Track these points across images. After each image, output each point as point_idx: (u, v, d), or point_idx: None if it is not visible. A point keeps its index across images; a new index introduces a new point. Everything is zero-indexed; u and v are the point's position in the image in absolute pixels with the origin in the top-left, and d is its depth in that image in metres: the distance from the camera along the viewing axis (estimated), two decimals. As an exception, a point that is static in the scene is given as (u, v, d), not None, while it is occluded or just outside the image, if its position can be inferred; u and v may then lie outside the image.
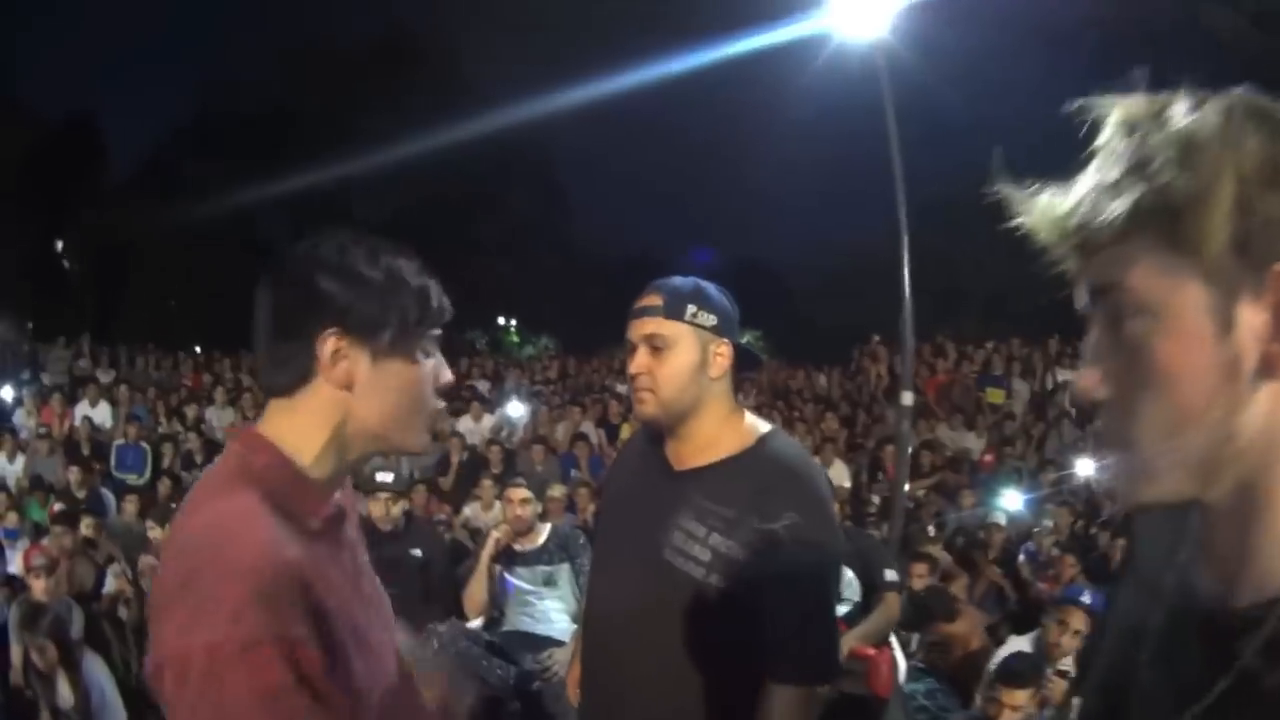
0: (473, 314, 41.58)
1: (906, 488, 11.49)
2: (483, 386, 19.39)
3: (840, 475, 13.26)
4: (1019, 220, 1.20)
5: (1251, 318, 1.00)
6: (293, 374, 1.75)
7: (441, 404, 1.93)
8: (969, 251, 31.93)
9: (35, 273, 36.28)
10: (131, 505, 11.30)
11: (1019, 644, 6.22)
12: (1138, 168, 1.06)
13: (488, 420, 15.87)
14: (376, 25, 42.39)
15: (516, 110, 33.15)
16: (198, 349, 25.32)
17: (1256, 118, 1.05)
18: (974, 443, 15.13)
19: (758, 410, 16.04)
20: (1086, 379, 1.11)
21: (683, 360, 2.67)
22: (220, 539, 1.56)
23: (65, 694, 6.41)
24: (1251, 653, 1.00)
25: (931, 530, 11.11)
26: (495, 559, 6.74)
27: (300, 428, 1.76)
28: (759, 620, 2.50)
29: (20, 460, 13.82)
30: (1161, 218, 1.03)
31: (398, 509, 6.99)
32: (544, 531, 6.87)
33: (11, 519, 10.87)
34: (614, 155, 54.26)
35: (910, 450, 12.37)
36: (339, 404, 1.75)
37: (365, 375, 1.75)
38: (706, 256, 52.51)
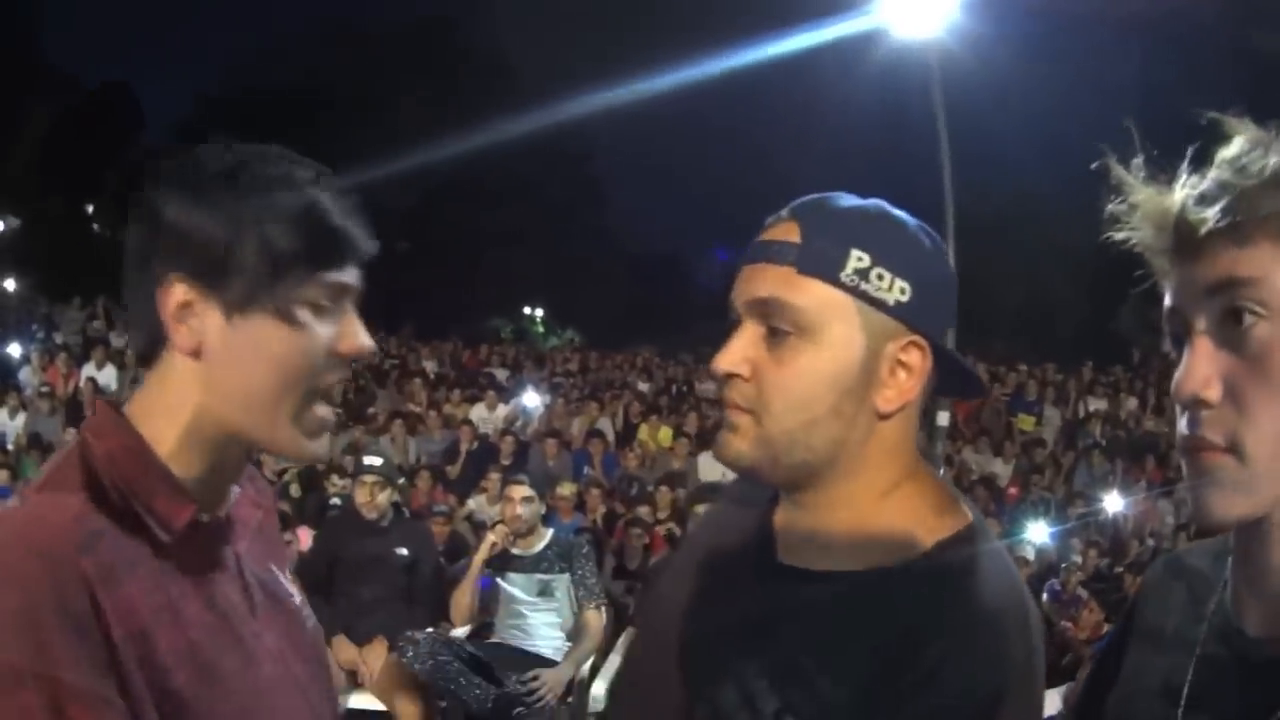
0: (499, 302, 41.45)
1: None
2: (501, 375, 19.15)
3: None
4: (1125, 204, 1.16)
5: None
6: (145, 336, 1.28)
7: (342, 374, 1.31)
8: (1004, 268, 31.46)
9: (63, 233, 36.66)
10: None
11: (1053, 699, 5.73)
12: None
13: (502, 410, 15.62)
14: (416, 8, 42.31)
15: (559, 100, 32.83)
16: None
17: None
18: (1001, 468, 14.69)
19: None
20: (1196, 378, 1.05)
21: (826, 363, 1.31)
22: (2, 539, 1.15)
23: None
24: None
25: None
26: (489, 563, 6.24)
27: (155, 409, 1.27)
28: None
29: (21, 417, 13.91)
30: None
31: (384, 497, 6.38)
32: (545, 536, 6.33)
33: (3, 476, 10.89)
34: (655, 151, 53.89)
35: (940, 472, 12.01)
36: (192, 377, 1.25)
37: (217, 338, 1.24)
38: (726, 256, 52.09)
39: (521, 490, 6.27)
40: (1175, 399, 1.06)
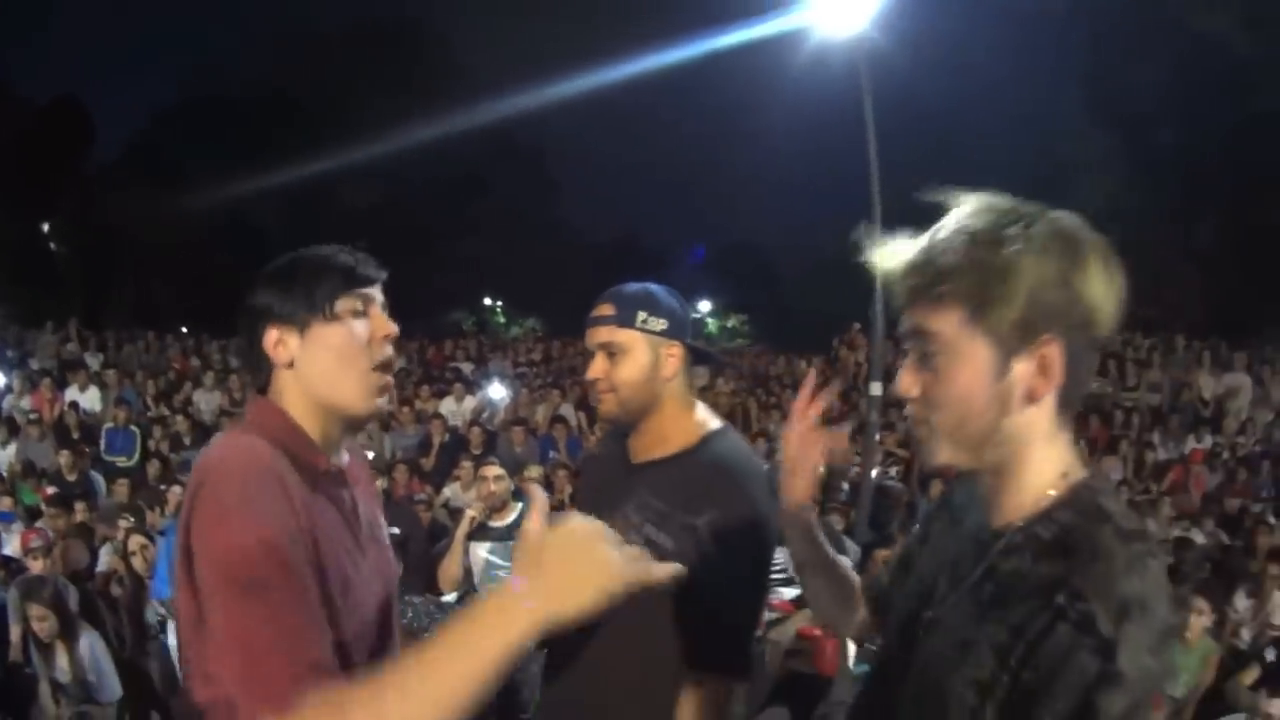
0: (460, 295, 41.76)
1: (874, 473, 11.83)
2: (466, 368, 19.59)
3: (813, 461, 13.48)
4: (869, 261, 1.78)
5: (1022, 368, 1.61)
6: (262, 372, 2.15)
7: (388, 352, 2.18)
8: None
9: (21, 256, 36.02)
10: (122, 487, 11.57)
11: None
12: (966, 267, 1.60)
13: (469, 401, 16.09)
14: (369, 9, 42.38)
15: (508, 96, 33.33)
16: (184, 330, 25.40)
17: (1060, 239, 1.60)
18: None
19: (734, 395, 16.50)
20: (905, 383, 1.71)
21: (636, 364, 2.85)
22: (225, 456, 1.93)
23: (63, 666, 6.61)
24: (996, 552, 1.65)
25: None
26: (470, 535, 7.02)
27: (282, 402, 2.13)
28: (680, 609, 2.66)
29: (12, 446, 13.90)
30: (973, 302, 1.59)
31: (377, 485, 7.26)
32: (516, 509, 7.12)
33: (6, 503, 10.96)
34: (604, 141, 54.25)
35: (878, 438, 12.76)
36: (292, 380, 2.12)
37: (299, 349, 2.11)
38: (700, 255, 52.95)
39: (494, 470, 7.15)
40: (897, 391, 1.72)
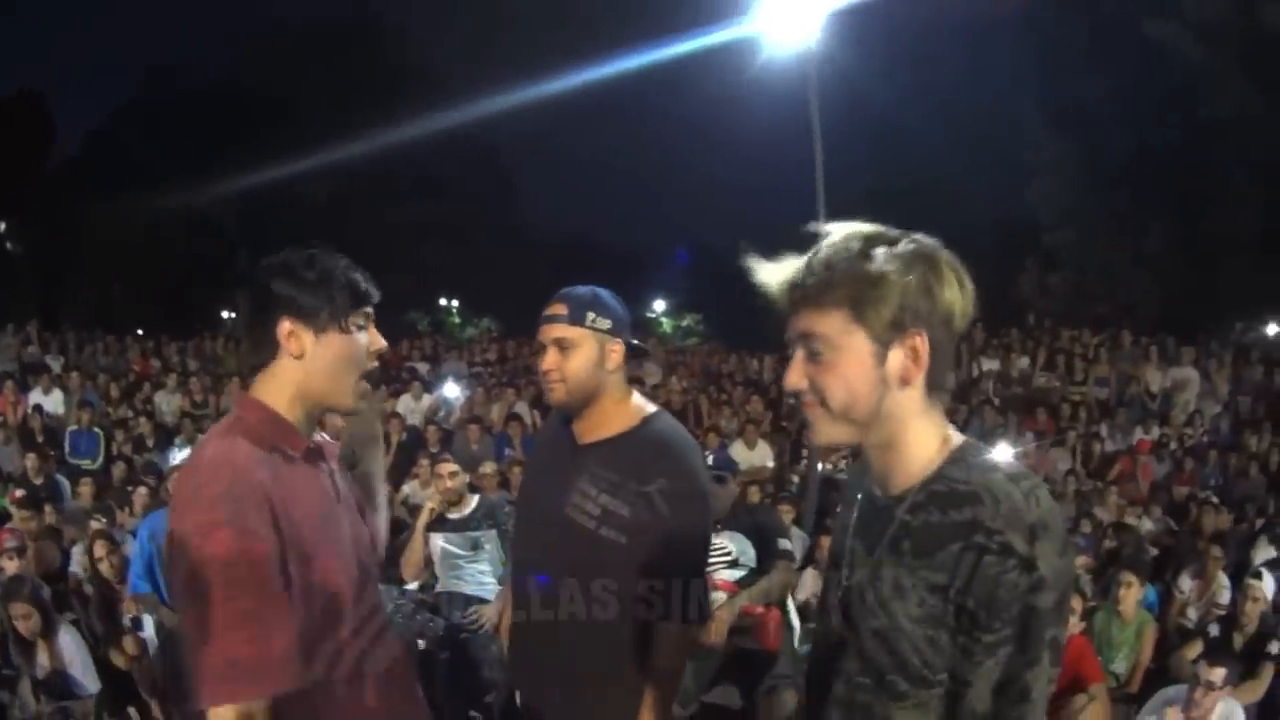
0: (415, 295, 41.63)
1: (821, 467, 12.19)
2: (422, 368, 19.68)
3: (764, 455, 13.93)
4: (755, 279, 2.08)
5: (896, 355, 1.94)
6: (264, 352, 2.48)
7: (375, 364, 2.59)
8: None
9: None
10: (86, 489, 11.68)
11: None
12: (847, 278, 1.93)
13: (426, 400, 16.24)
14: (325, 8, 42.27)
15: (463, 97, 33.38)
16: (140, 331, 25.28)
17: (921, 255, 1.94)
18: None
19: (686, 392, 16.82)
20: (795, 377, 2.01)
21: (584, 358, 3.27)
22: (214, 463, 2.31)
23: (44, 663, 6.75)
24: (902, 513, 1.98)
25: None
26: (428, 527, 7.42)
27: (274, 389, 2.49)
28: (640, 566, 3.15)
29: None
30: (854, 306, 1.92)
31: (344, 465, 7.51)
32: (473, 501, 7.52)
33: None
34: (559, 141, 54.69)
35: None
36: (296, 369, 2.47)
37: (311, 347, 2.46)
38: (684, 258, 53.23)
39: (449, 466, 7.59)
40: (787, 384, 2.03)
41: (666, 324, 52.35)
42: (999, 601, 1.81)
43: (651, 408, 3.42)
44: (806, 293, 1.97)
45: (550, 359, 3.30)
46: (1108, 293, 29.43)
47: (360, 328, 2.54)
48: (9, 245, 39.68)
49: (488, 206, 44.70)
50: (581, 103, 39.23)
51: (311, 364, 2.47)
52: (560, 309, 3.32)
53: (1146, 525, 11.50)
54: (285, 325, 2.45)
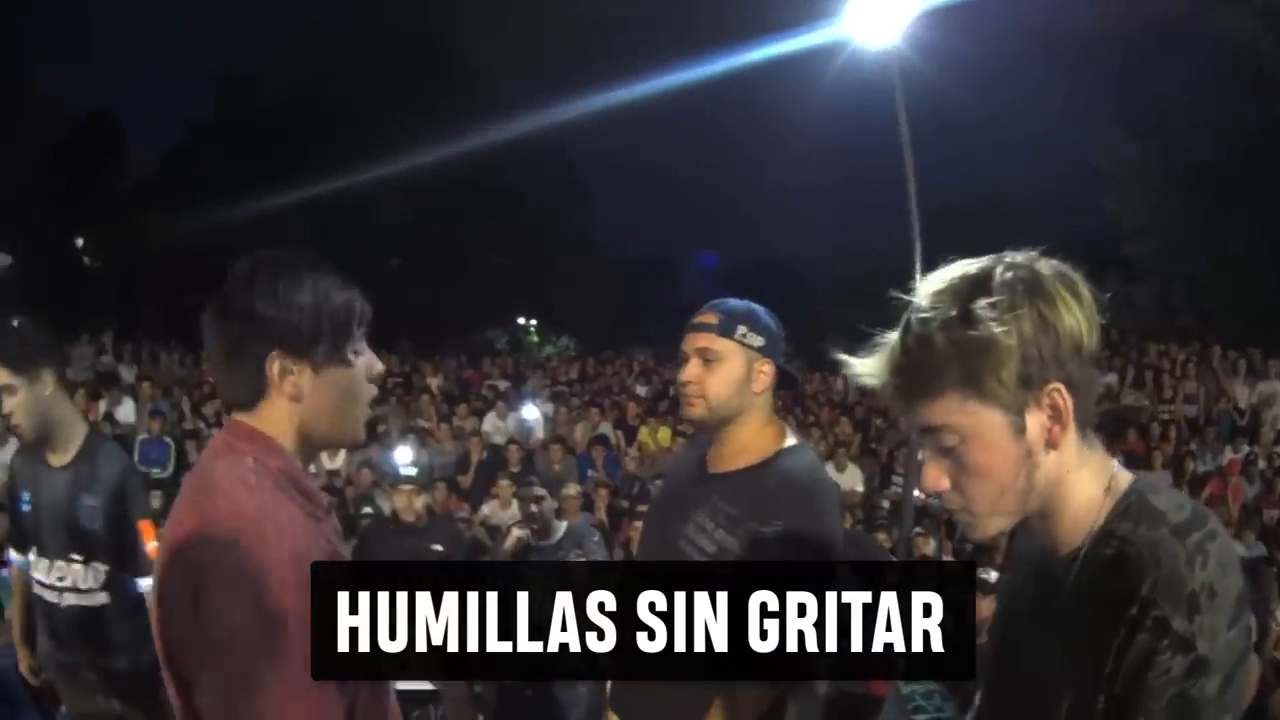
0: (492, 314, 41.66)
1: (916, 493, 11.66)
2: (502, 386, 19.57)
3: (853, 479, 13.47)
4: (853, 374, 1.82)
5: (1035, 419, 1.66)
6: (249, 391, 2.02)
7: (374, 391, 2.18)
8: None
9: (55, 269, 36.32)
10: (155, 499, 11.39)
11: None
12: (952, 354, 1.65)
13: (510, 418, 16.06)
14: (398, 25, 42.40)
15: (537, 111, 33.27)
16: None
17: (1025, 288, 1.64)
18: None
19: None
20: (931, 479, 1.74)
21: (729, 373, 3.01)
22: (258, 522, 1.86)
23: None
24: (1071, 580, 1.69)
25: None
26: (516, 555, 7.04)
27: (274, 432, 2.04)
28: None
29: None
30: (971, 383, 1.64)
31: (420, 502, 7.14)
32: (560, 528, 7.21)
33: None
34: (635, 156, 54.19)
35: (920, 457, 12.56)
36: (294, 413, 2.03)
37: (310, 386, 2.02)
38: (713, 260, 52.71)
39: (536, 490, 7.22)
40: (923, 490, 1.79)
41: (745, 342, 50.78)
42: (1146, 688, 1.54)
43: (792, 439, 3.12)
44: (913, 385, 1.71)
45: (691, 370, 3.06)
46: (1190, 303, 28.53)
47: (359, 354, 2.11)
48: (87, 259, 40.06)
49: (563, 222, 44.42)
50: (657, 117, 39.08)
51: (311, 403, 2.04)
52: (710, 318, 3.08)
53: (1240, 551, 10.87)
54: (277, 364, 2.00)
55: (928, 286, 1.72)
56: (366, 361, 2.11)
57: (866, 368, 1.78)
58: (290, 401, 2.01)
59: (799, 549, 2.79)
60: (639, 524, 9.97)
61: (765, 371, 3.05)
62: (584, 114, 32.82)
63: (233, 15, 53.56)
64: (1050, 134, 32.77)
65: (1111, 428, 15.89)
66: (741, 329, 3.02)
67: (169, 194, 36.86)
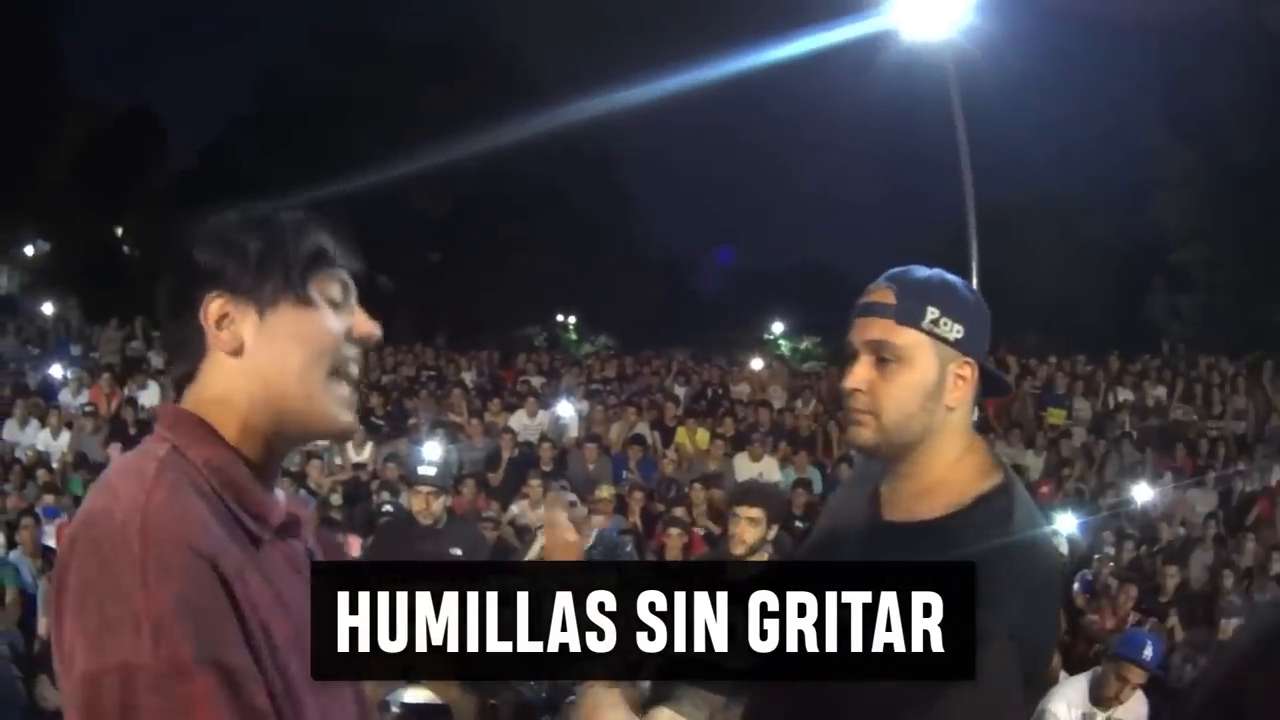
0: (531, 310, 41.50)
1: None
2: (537, 382, 19.26)
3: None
4: None
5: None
6: (187, 353, 1.57)
7: (354, 354, 1.63)
8: (1030, 262, 31.11)
9: (92, 254, 37.05)
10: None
11: (1074, 684, 6.05)
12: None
13: (542, 416, 15.74)
14: (439, 21, 42.39)
15: (578, 107, 33.00)
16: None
17: None
18: (1032, 461, 14.63)
19: (815, 419, 15.89)
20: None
21: (916, 379, 2.03)
22: (149, 532, 1.35)
23: None
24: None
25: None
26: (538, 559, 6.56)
27: (208, 403, 1.55)
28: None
29: (65, 436, 14.20)
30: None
31: (439, 504, 6.71)
32: (589, 538, 6.58)
33: (48, 499, 10.99)
34: (676, 153, 53.92)
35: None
36: (238, 375, 1.54)
37: (254, 334, 1.54)
38: (726, 256, 52.05)
39: (567, 496, 6.66)
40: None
41: (785, 346, 50.25)
42: None
43: (997, 476, 2.07)
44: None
45: (860, 373, 2.05)
46: (1240, 313, 27.88)
47: (335, 305, 1.60)
48: (126, 249, 40.73)
49: (604, 220, 44.20)
50: (698, 114, 38.76)
51: (258, 359, 1.54)
52: (887, 294, 2.06)
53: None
54: (215, 306, 1.53)
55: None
56: (349, 316, 1.62)
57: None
58: (231, 358, 1.53)
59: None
60: (674, 530, 9.64)
61: (965, 376, 2.06)
62: (626, 111, 32.54)
63: (275, 9, 53.70)
64: (1094, 140, 32.24)
65: (1159, 442, 15.57)
66: (932, 310, 2.03)
67: (209, 186, 36.98)
